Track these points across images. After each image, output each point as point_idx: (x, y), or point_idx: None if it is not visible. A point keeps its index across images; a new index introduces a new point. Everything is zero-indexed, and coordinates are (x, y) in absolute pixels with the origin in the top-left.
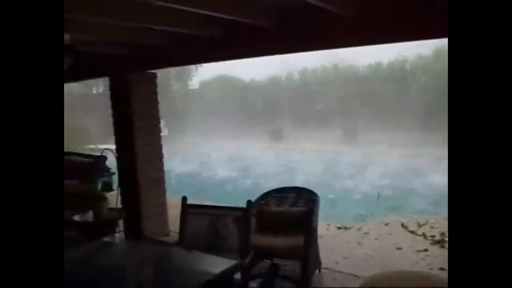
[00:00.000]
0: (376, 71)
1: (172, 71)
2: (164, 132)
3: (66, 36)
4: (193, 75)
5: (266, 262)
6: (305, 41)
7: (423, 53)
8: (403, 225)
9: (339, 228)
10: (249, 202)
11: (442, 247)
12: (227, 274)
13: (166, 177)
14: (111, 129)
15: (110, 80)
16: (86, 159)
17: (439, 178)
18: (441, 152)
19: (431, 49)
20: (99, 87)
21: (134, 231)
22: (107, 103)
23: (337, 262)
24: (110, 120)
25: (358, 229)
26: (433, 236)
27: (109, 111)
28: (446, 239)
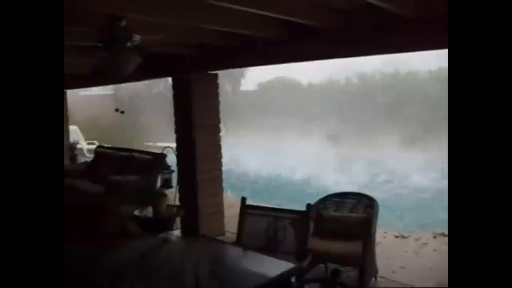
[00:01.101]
0: (438, 76)
1: (231, 72)
2: (222, 132)
3: (137, 37)
4: (250, 77)
5: (321, 267)
6: (368, 44)
7: None
8: None
9: (396, 236)
10: (309, 205)
11: None
12: (285, 276)
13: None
14: (168, 128)
15: (173, 80)
16: (147, 156)
17: None
18: None
19: None
20: (159, 87)
21: (191, 229)
22: (165, 102)
23: (393, 272)
24: (168, 119)
25: (416, 239)
26: None
27: (167, 111)
28: None
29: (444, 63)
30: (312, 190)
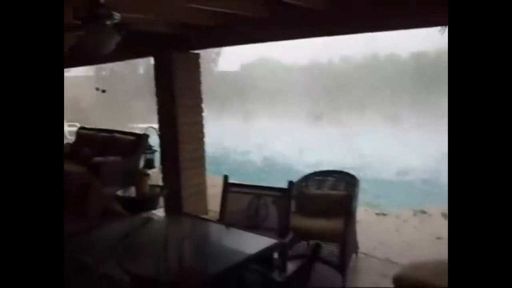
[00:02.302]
0: (420, 60)
1: (213, 53)
2: (205, 112)
3: (117, 15)
4: (232, 57)
5: (304, 244)
6: (351, 23)
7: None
8: (443, 215)
9: (377, 214)
10: (290, 182)
11: None
12: (266, 252)
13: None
14: (152, 109)
15: (155, 60)
16: (130, 137)
17: None
18: None
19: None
20: (142, 67)
21: (174, 208)
22: (150, 83)
23: (374, 248)
24: (152, 100)
25: (397, 217)
26: None
27: (151, 91)
28: None
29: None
30: (298, 167)
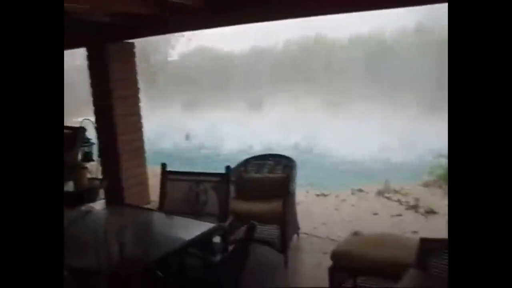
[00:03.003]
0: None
1: (151, 42)
2: (143, 103)
3: None
4: (172, 47)
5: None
6: (288, 8)
7: (406, 26)
8: (379, 192)
9: (317, 195)
10: (227, 167)
11: (416, 212)
12: (206, 236)
13: (146, 147)
14: (88, 101)
15: (88, 50)
16: (66, 131)
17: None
18: (407, 127)
19: (414, 22)
20: (79, 58)
21: (116, 200)
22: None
23: (315, 228)
24: (87, 92)
25: (336, 196)
26: (407, 202)
27: (86, 83)
28: (420, 204)
29: (361, 29)
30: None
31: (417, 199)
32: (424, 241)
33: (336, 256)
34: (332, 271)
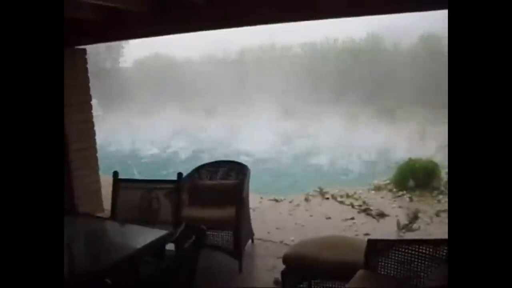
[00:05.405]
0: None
1: (104, 49)
2: (98, 111)
3: None
4: (123, 54)
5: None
6: (238, 16)
7: (355, 35)
8: (332, 196)
9: (271, 200)
10: (179, 174)
11: (368, 214)
12: (157, 243)
13: (100, 155)
14: None
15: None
16: None
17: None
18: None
19: (365, 31)
20: None
21: (68, 209)
22: None
23: (269, 233)
24: None
25: (290, 202)
26: (360, 206)
27: None
28: (371, 207)
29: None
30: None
31: (364, 203)
32: (371, 242)
33: (288, 259)
34: (285, 274)
